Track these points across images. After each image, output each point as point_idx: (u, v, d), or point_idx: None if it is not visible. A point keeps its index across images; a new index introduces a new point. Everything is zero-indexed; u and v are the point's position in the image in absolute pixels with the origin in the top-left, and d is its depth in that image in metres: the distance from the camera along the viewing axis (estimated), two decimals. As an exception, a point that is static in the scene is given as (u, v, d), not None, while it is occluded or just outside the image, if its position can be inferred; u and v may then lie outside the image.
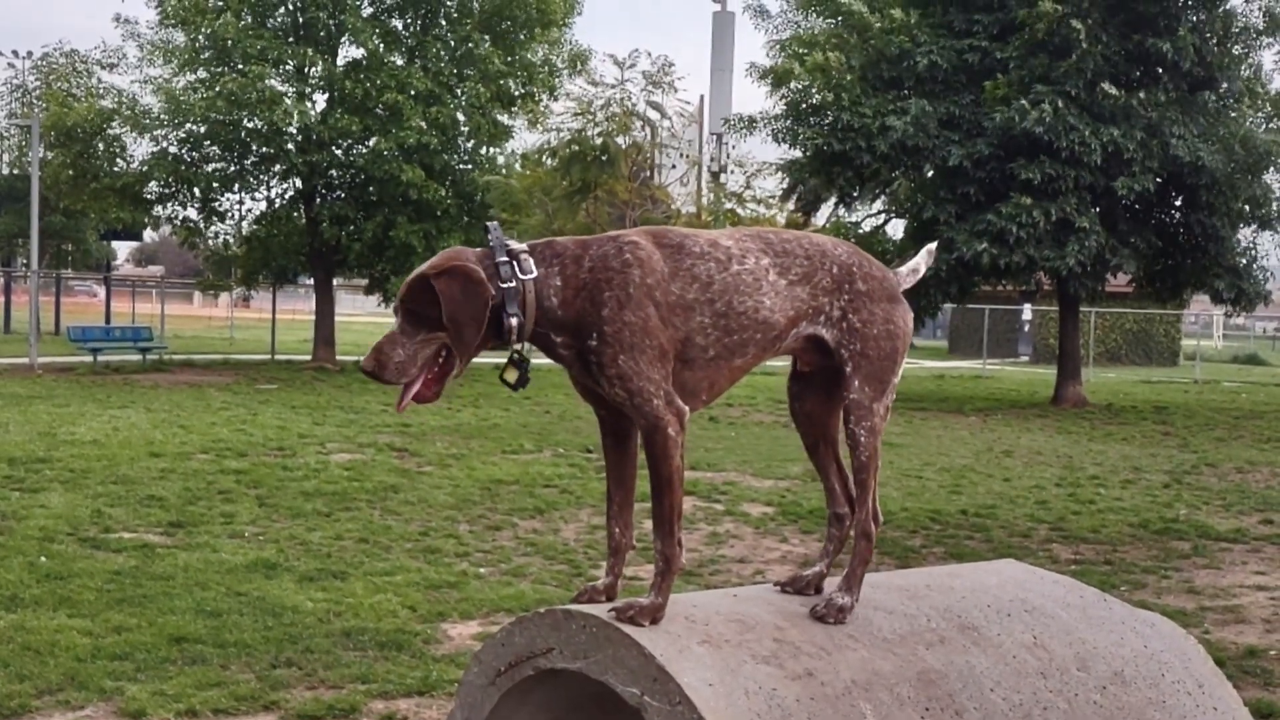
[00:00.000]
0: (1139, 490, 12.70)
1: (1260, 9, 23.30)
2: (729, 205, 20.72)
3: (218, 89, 24.54)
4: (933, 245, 3.02)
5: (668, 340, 2.53)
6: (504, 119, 28.12)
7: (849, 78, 21.78)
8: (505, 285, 2.51)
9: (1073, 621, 2.76)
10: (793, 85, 23.51)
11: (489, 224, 2.64)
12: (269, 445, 13.87)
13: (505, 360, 2.64)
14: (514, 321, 2.51)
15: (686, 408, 2.55)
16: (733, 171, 22.46)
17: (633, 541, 2.68)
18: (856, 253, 2.77)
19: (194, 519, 9.43)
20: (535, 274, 2.53)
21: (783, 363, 2.88)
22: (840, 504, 2.82)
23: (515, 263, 2.52)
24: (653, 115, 18.15)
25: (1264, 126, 23.20)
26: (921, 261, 2.91)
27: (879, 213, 27.46)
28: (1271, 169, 23.22)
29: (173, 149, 26.52)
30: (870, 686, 2.39)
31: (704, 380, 2.63)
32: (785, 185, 27.60)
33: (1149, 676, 2.70)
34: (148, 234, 50.51)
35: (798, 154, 24.19)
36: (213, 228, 28.63)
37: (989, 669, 2.52)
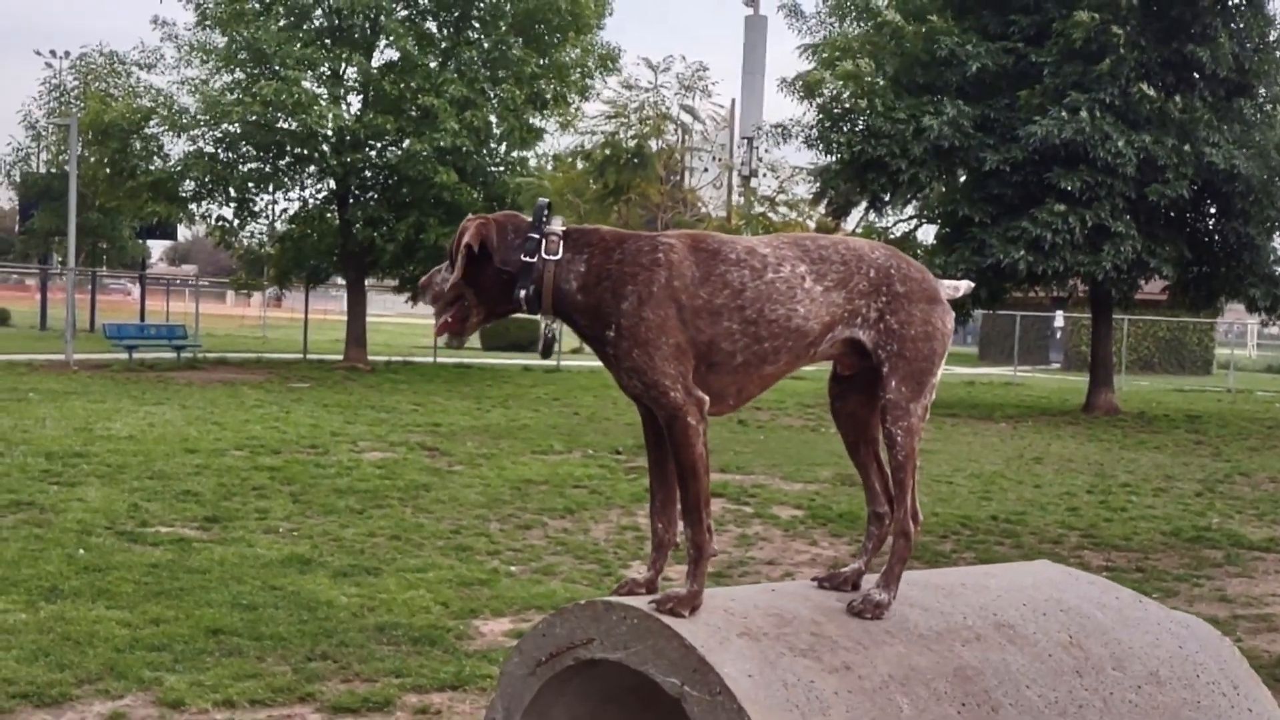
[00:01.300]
0: (1171, 498, 12.63)
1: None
2: (760, 209, 20.73)
3: (254, 92, 24.74)
4: (970, 284, 3.08)
5: (687, 341, 2.57)
6: (536, 121, 28.22)
7: (881, 83, 21.74)
8: (526, 260, 2.63)
9: (1108, 622, 2.77)
10: (824, 93, 23.48)
11: (540, 200, 2.75)
12: (302, 443, 13.99)
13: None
14: (522, 294, 2.64)
15: (706, 397, 2.59)
16: (765, 175, 22.51)
17: (676, 537, 2.72)
18: (895, 255, 2.80)
19: (229, 514, 9.53)
20: (558, 257, 2.63)
21: (812, 368, 2.91)
22: (880, 503, 2.85)
23: (544, 242, 2.62)
24: (686, 119, 18.18)
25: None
26: (964, 286, 2.96)
27: (910, 218, 27.40)
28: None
29: (208, 148, 26.75)
30: (907, 681, 2.41)
31: (731, 385, 2.67)
32: (816, 190, 27.61)
33: (1184, 677, 2.71)
34: (181, 233, 51.05)
35: (829, 159, 24.16)
36: (247, 227, 28.86)
37: (1025, 666, 2.54)
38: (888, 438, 2.70)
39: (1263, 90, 23.26)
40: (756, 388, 2.71)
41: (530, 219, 2.70)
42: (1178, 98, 21.25)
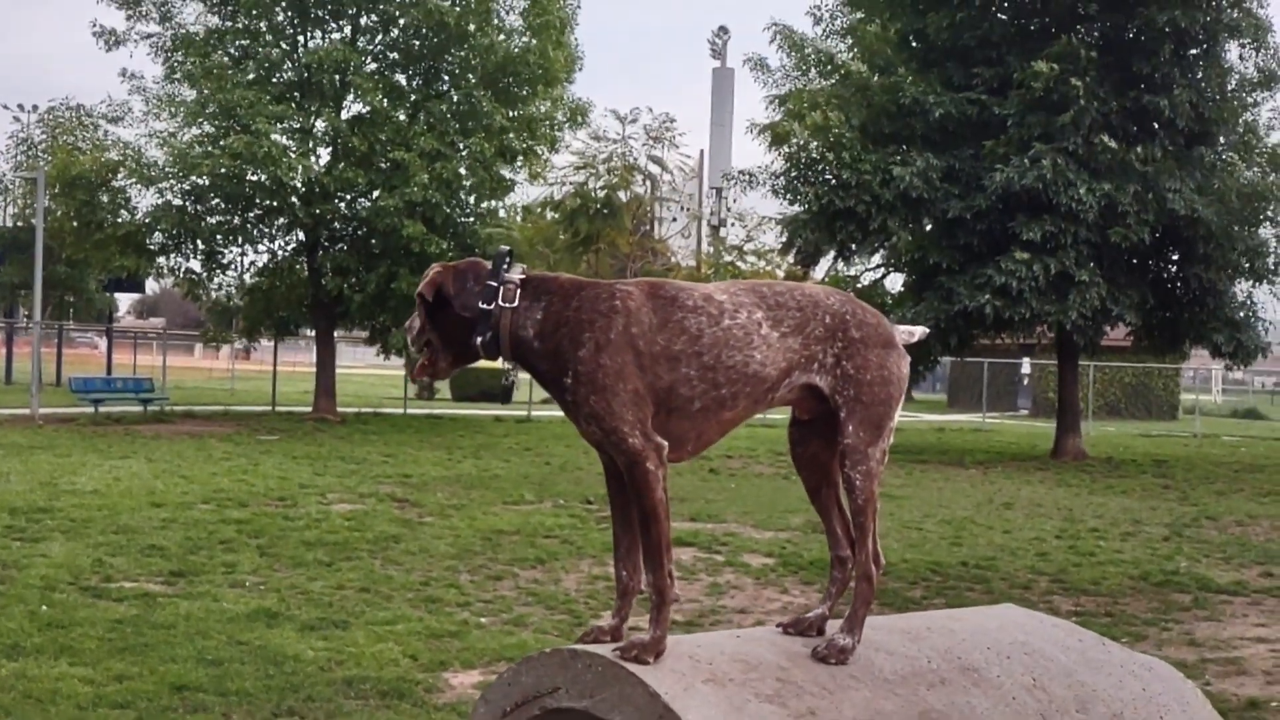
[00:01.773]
0: (1139, 542, 12.70)
1: (1255, 65, 23.61)
2: (729, 258, 20.85)
3: (223, 145, 24.76)
4: (925, 329, 3.10)
5: (645, 388, 2.60)
6: (506, 173, 28.36)
7: (848, 135, 22.01)
8: (484, 307, 2.68)
9: (1072, 664, 2.79)
10: (793, 142, 23.74)
11: (501, 248, 2.79)
12: (270, 495, 13.88)
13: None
14: (479, 340, 2.69)
15: (665, 443, 2.60)
16: (732, 225, 22.65)
17: (640, 584, 2.72)
18: (849, 300, 2.83)
19: (195, 568, 9.43)
20: (514, 304, 2.68)
21: (782, 414, 2.93)
22: (843, 547, 2.87)
23: (502, 289, 2.68)
24: (654, 169, 18.32)
25: (1260, 180, 23.38)
26: (919, 331, 2.98)
27: (877, 266, 27.65)
28: (1268, 223, 23.42)
29: (177, 201, 26.70)
30: (872, 726, 2.42)
31: (690, 430, 2.69)
32: (785, 239, 27.83)
33: (1148, 719, 2.73)
34: (149, 285, 50.76)
35: (797, 208, 24.37)
36: (215, 279, 28.77)
37: (989, 710, 2.56)
38: (846, 482, 2.73)
39: (1222, 138, 23.68)
40: (715, 433, 2.73)
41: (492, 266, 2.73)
42: (1139, 148, 21.60)
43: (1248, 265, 23.00)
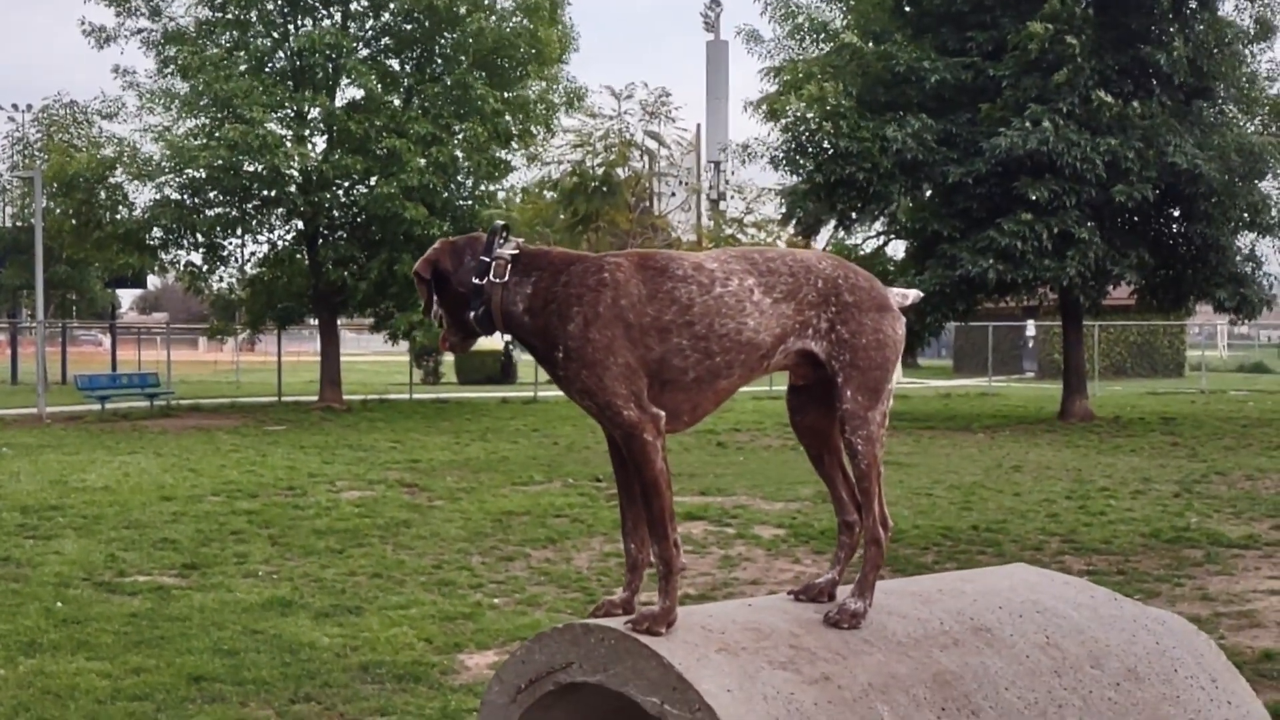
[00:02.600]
0: (1149, 500, 12.70)
1: (1251, 16, 23.46)
2: (729, 231, 20.79)
3: (218, 136, 24.71)
4: (919, 293, 3.07)
5: (637, 360, 2.58)
6: (503, 155, 28.29)
7: (845, 104, 21.91)
8: (476, 282, 2.67)
9: (1084, 621, 2.79)
10: (789, 114, 23.65)
11: (496, 222, 2.78)
12: (279, 485, 13.91)
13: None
14: (471, 315, 2.70)
15: (662, 413, 2.59)
16: (732, 197, 22.59)
17: (649, 557, 2.71)
18: (841, 265, 2.81)
19: (207, 560, 9.46)
20: (505, 280, 2.67)
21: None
22: (849, 512, 2.86)
23: (493, 265, 2.67)
24: (651, 145, 18.26)
25: (1261, 133, 23.28)
26: (913, 294, 2.96)
27: (879, 234, 27.57)
28: (1270, 175, 23.32)
29: (175, 195, 26.67)
30: (887, 689, 2.42)
31: (685, 402, 2.67)
32: (784, 210, 27.74)
33: (1162, 673, 2.72)
34: (151, 281, 50.83)
35: (796, 179, 24.30)
36: (217, 272, 28.76)
37: (1003, 669, 2.55)
38: (848, 448, 2.71)
39: (1221, 92, 23.55)
40: (711, 403, 2.72)
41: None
42: (1136, 103, 21.50)
43: (1249, 219, 22.92)
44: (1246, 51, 23.73)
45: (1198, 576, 8.85)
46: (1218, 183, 21.68)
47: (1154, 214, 23.35)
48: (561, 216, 18.69)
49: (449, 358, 42.33)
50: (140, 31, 27.29)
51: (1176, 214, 23.43)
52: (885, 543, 2.75)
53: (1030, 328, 43.36)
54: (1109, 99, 21.06)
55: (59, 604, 7.91)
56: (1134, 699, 2.62)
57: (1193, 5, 22.47)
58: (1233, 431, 21.05)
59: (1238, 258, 23.55)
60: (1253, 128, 23.51)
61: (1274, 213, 23.20)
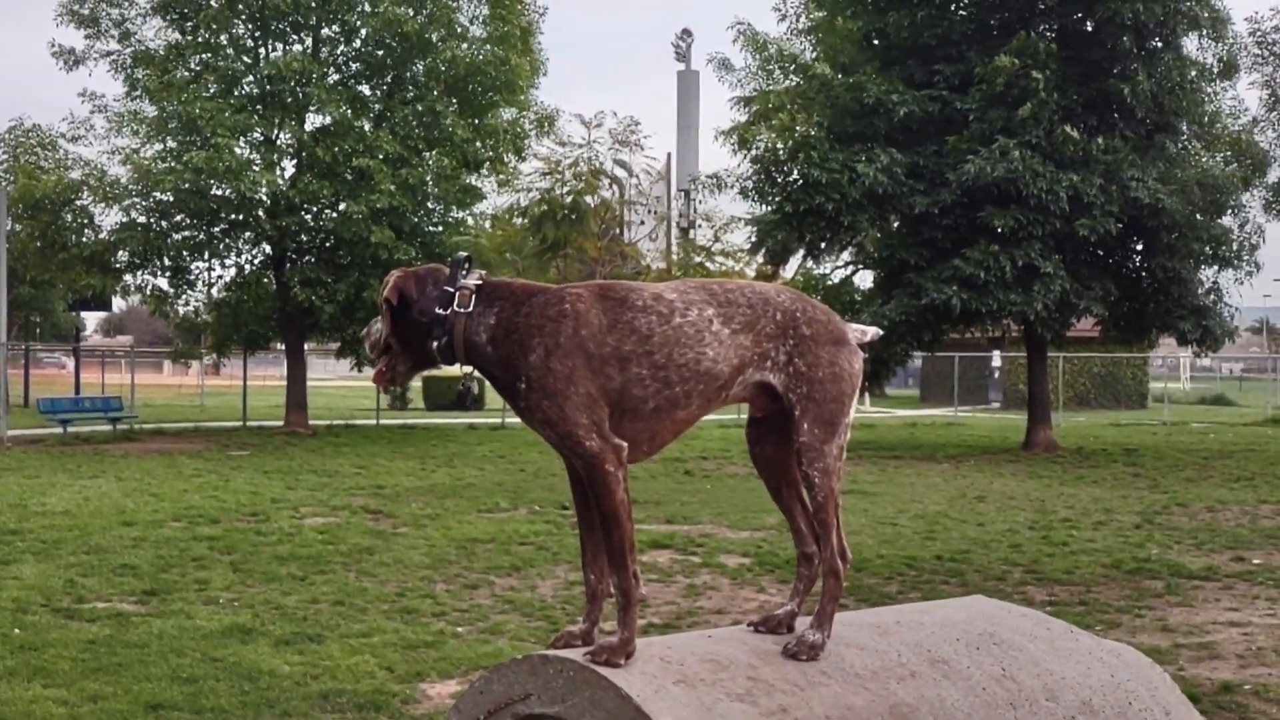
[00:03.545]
0: (1111, 531, 12.80)
1: (1215, 55, 23.85)
2: (698, 259, 20.87)
3: (186, 160, 24.61)
4: (879, 330, 3.10)
5: (598, 390, 2.59)
6: (473, 181, 28.30)
7: (814, 132, 22.10)
8: (439, 312, 2.69)
9: (1040, 653, 2.81)
10: (758, 143, 23.82)
11: (459, 254, 2.79)
12: (242, 511, 13.80)
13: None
14: (434, 345, 2.71)
15: (624, 444, 2.60)
16: (700, 226, 22.70)
17: (609, 588, 2.72)
18: (800, 298, 2.83)
19: (167, 586, 9.36)
20: (469, 310, 2.69)
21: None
22: (808, 544, 2.88)
23: (457, 295, 2.69)
24: (620, 173, 18.34)
25: (1221, 169, 23.64)
26: (871, 331, 2.98)
27: (847, 264, 27.76)
28: (1231, 210, 23.66)
29: (141, 218, 26.52)
30: (843, 721, 2.43)
31: (645, 431, 2.68)
32: (754, 239, 27.89)
33: (1116, 705, 2.75)
34: (116, 303, 50.32)
35: (766, 209, 24.44)
36: (183, 296, 28.58)
37: (959, 701, 2.57)
38: (805, 480, 2.73)
39: (1184, 127, 23.90)
40: (670, 433, 2.73)
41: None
42: (1100, 138, 21.80)
43: (1211, 253, 23.22)
44: (1209, 89, 24.11)
45: (1158, 607, 8.92)
46: (1180, 216, 21.98)
47: (1117, 247, 23.63)
48: (531, 242, 18.67)
49: (416, 383, 42.20)
50: (109, 54, 27.19)
51: (1139, 247, 23.72)
52: (843, 574, 2.77)
53: (996, 358, 43.68)
54: (1074, 134, 21.33)
55: (16, 630, 7.80)
56: (1088, 731, 2.64)
57: (1156, 43, 22.83)
58: (1194, 463, 21.25)
59: (1200, 290, 23.84)
60: (1214, 163, 23.84)
61: (1235, 246, 23.51)
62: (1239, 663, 7.31)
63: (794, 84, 24.55)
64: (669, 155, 33.88)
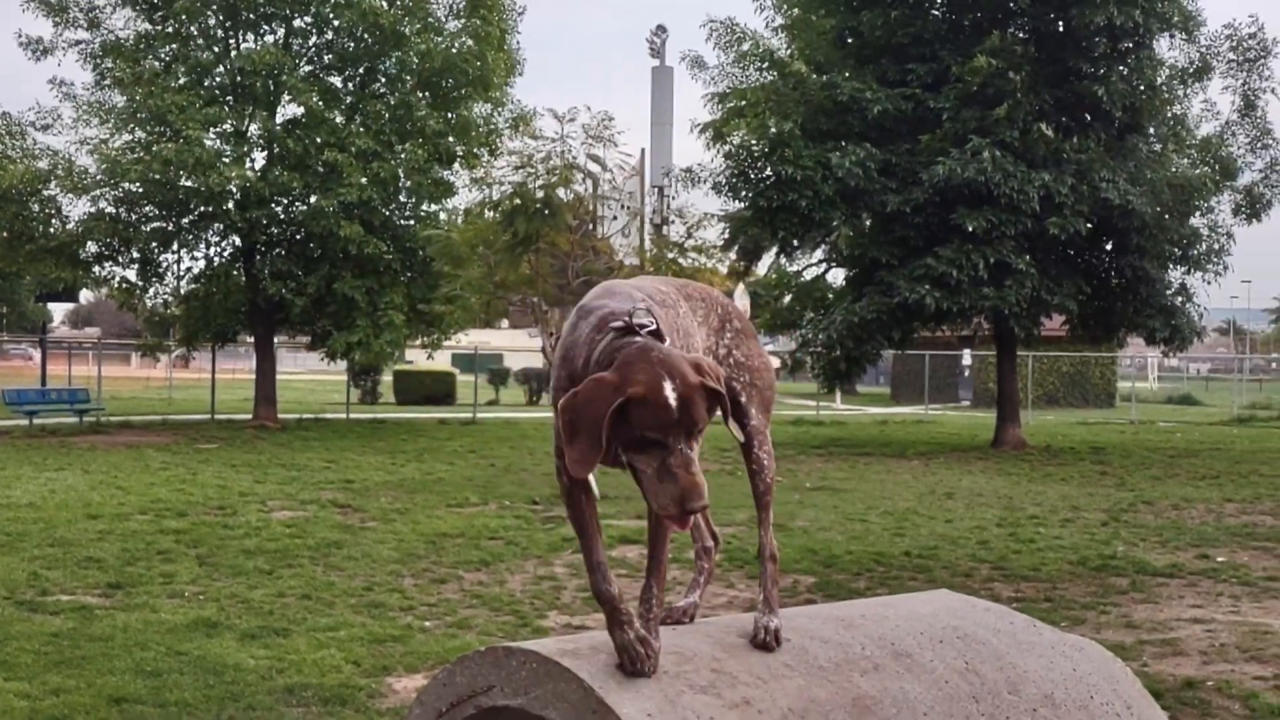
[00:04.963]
0: (1078, 529, 12.89)
1: (1187, 57, 24.04)
2: (671, 255, 20.88)
3: (155, 151, 24.39)
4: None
5: None
6: (446, 175, 28.19)
7: (789, 127, 22.13)
8: None
9: (1003, 647, 2.82)
10: (732, 140, 23.84)
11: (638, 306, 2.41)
12: (209, 504, 13.71)
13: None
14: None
15: None
16: (673, 222, 22.70)
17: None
18: (723, 295, 2.94)
19: (133, 580, 9.29)
20: None
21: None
22: (707, 538, 2.95)
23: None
24: (593, 168, 18.30)
25: (1191, 171, 23.83)
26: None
27: (819, 261, 27.85)
28: (1199, 211, 23.86)
29: (109, 209, 26.29)
30: (806, 713, 2.43)
31: None
32: (726, 235, 27.89)
33: (1078, 699, 2.76)
34: (84, 295, 49.93)
35: (739, 205, 24.46)
36: (151, 288, 28.34)
37: (922, 694, 2.57)
38: (756, 463, 2.76)
39: (1153, 129, 24.08)
40: None
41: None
42: (1075, 139, 21.95)
43: (1179, 254, 23.43)
44: (1180, 91, 24.29)
45: (1123, 604, 8.99)
46: (1149, 217, 22.16)
47: (1087, 247, 23.80)
48: (503, 237, 18.57)
49: (387, 376, 42.04)
50: (78, 44, 26.93)
51: (1109, 247, 23.90)
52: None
53: (966, 357, 43.94)
54: (1048, 132, 21.48)
55: (-23, 623, 7.73)
56: (1050, 724, 2.65)
57: (1129, 45, 23.00)
58: (1160, 462, 21.43)
59: (1168, 291, 24.04)
60: (1182, 165, 24.03)
61: (1204, 248, 23.72)
62: (1202, 659, 7.38)
63: (768, 80, 24.57)
64: (643, 151, 33.82)
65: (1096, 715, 2.75)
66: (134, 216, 26.50)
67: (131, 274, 27.70)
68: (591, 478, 2.55)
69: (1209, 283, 24.27)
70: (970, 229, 21.19)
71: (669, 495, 2.26)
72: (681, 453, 2.24)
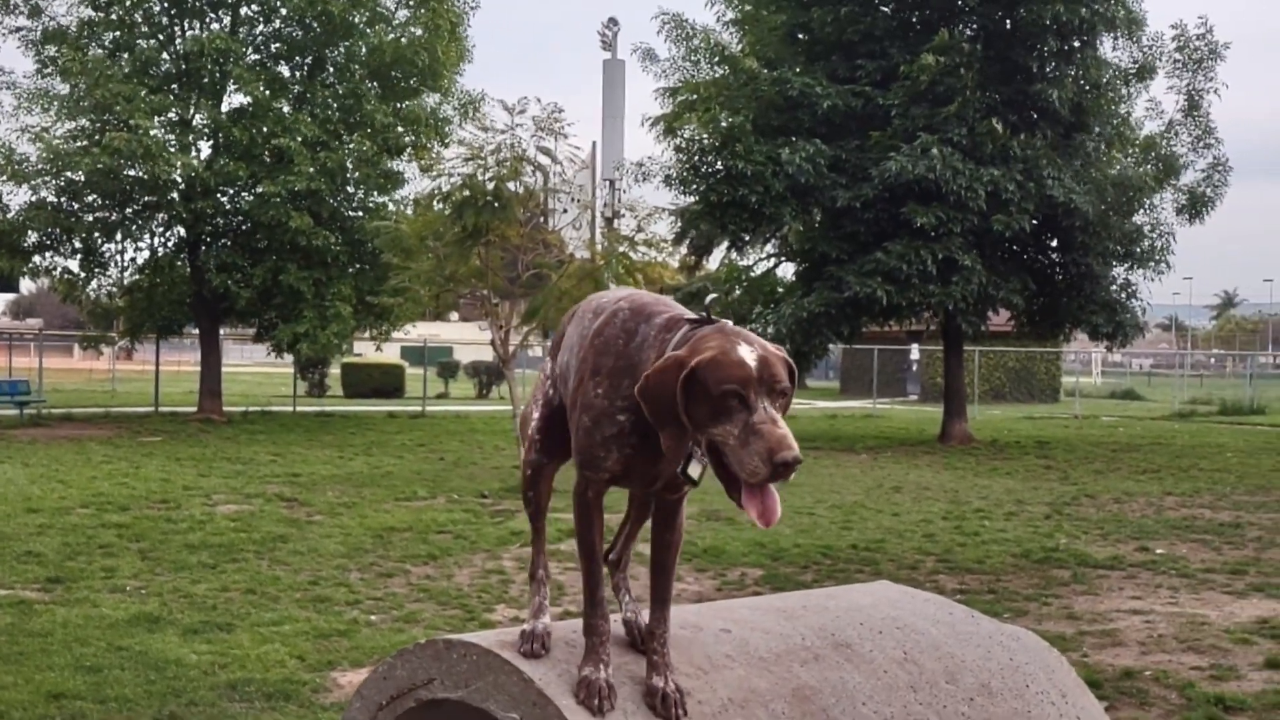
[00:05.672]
0: (1021, 522, 13.04)
1: (1131, 57, 24.36)
2: (622, 249, 20.85)
3: (99, 140, 24.01)
4: None
5: None
6: (395, 165, 27.97)
7: (739, 122, 22.19)
8: None
9: (942, 637, 2.85)
10: (685, 134, 23.87)
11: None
12: (152, 498, 13.53)
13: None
14: None
15: None
16: (624, 215, 22.68)
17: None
18: None
19: (73, 574, 9.15)
20: None
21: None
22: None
23: None
24: (543, 160, 18.22)
25: (1134, 170, 24.16)
26: None
27: (770, 256, 27.94)
28: (1141, 210, 24.21)
29: (51, 198, 25.86)
30: (746, 704, 2.44)
31: None
32: (678, 230, 27.92)
33: (1015, 688, 2.80)
34: (25, 285, 49.01)
35: (690, 199, 24.50)
36: (94, 280, 27.90)
37: (861, 684, 2.60)
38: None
39: (1097, 128, 24.39)
40: None
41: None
42: (1022, 136, 22.20)
43: (1122, 251, 23.75)
44: (1125, 91, 24.59)
45: (1064, 596, 9.11)
46: (1093, 215, 22.45)
47: (1033, 243, 24.08)
48: (453, 229, 18.41)
49: (335, 369, 41.71)
50: (19, 30, 26.45)
51: (1054, 244, 24.19)
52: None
53: (914, 352, 44.31)
54: (999, 128, 21.71)
55: (-89, 619, 7.58)
56: (987, 713, 2.68)
57: (1076, 44, 23.25)
58: (1103, 456, 21.74)
59: (1112, 287, 24.38)
60: (1125, 164, 24.34)
61: (1146, 244, 24.07)
62: (1140, 649, 7.49)
63: (719, 75, 24.63)
64: (594, 144, 33.75)
65: (1032, 704, 2.79)
66: (76, 206, 26.09)
67: (74, 264, 27.29)
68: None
69: (1151, 280, 24.66)
70: (919, 224, 21.38)
71: (757, 452, 2.09)
72: (766, 410, 2.13)
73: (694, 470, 2.28)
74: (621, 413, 2.33)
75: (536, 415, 2.75)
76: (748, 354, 2.16)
